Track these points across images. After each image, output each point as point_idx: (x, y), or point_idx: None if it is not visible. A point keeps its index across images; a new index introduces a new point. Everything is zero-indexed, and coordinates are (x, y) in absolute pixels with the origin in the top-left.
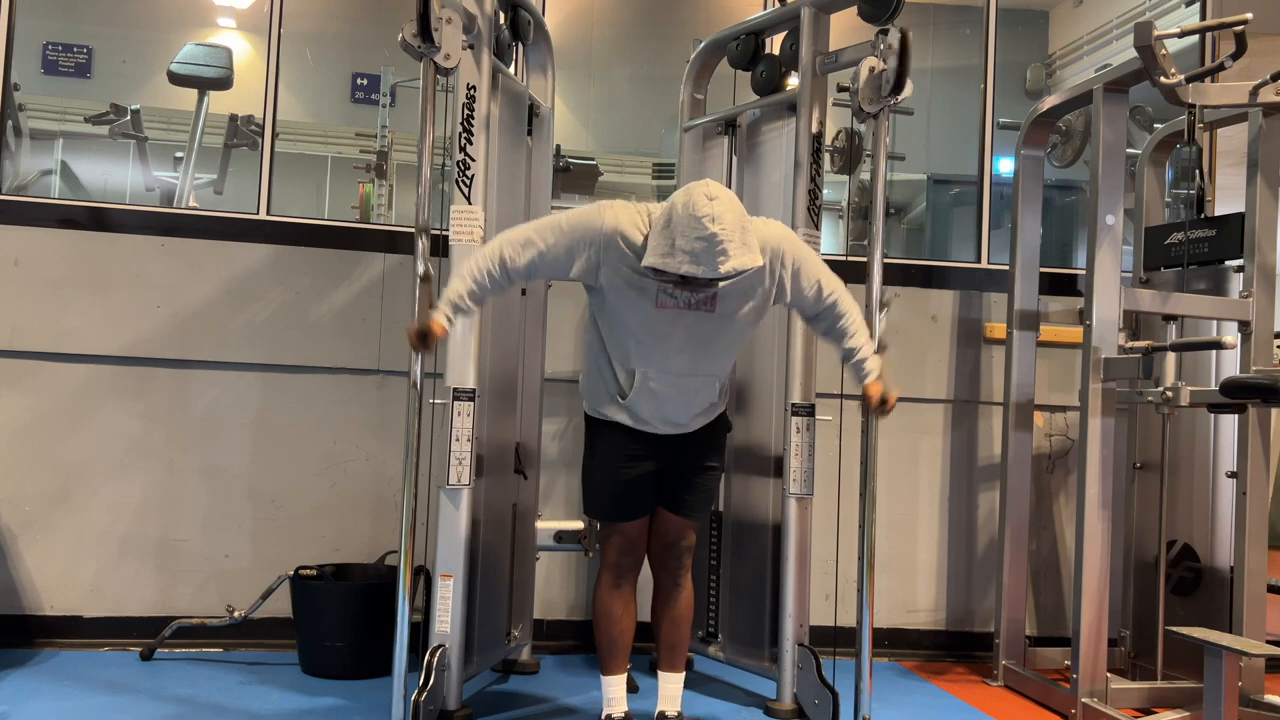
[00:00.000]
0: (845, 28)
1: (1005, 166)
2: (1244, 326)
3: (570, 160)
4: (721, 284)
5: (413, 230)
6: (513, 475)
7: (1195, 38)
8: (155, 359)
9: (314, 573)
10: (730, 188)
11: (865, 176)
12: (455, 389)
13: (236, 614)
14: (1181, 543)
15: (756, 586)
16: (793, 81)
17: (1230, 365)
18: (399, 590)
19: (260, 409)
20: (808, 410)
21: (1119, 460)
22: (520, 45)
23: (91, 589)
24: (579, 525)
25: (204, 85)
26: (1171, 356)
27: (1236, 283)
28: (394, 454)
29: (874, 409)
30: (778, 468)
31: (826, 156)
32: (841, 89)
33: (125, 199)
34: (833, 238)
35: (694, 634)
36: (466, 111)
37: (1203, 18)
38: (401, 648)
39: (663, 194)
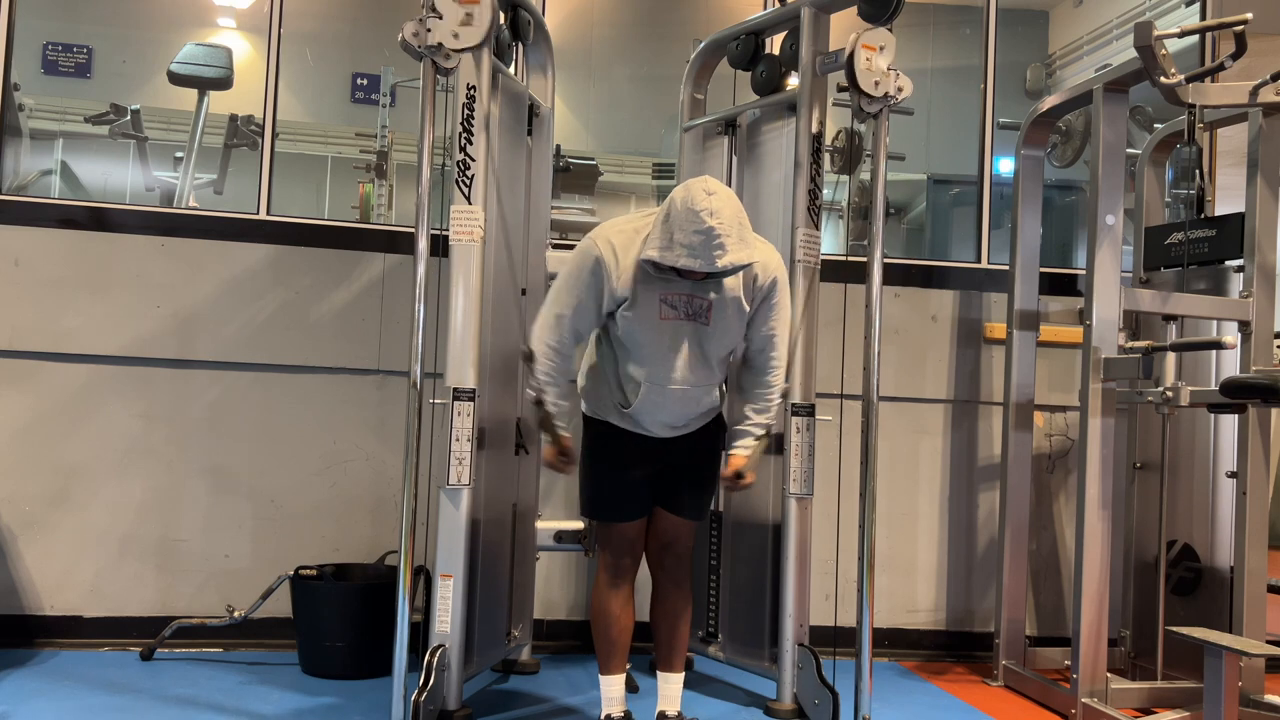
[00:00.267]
0: (845, 28)
1: (1005, 166)
2: (1244, 326)
3: (570, 160)
4: (713, 295)
5: (413, 230)
6: (511, 467)
7: (1195, 38)
8: (155, 359)
9: (314, 573)
10: (730, 188)
11: (865, 176)
12: (455, 389)
13: (236, 614)
14: (1181, 543)
15: (756, 586)
16: (793, 81)
17: (1230, 365)
18: (399, 590)
19: (260, 409)
20: (808, 410)
21: (1119, 460)
22: (520, 45)
23: (91, 589)
24: (579, 525)
25: (204, 85)
26: (1171, 356)
27: (1236, 283)
28: (394, 454)
29: (726, 478)
30: (778, 467)
31: (826, 156)
32: (841, 89)
33: (125, 199)
34: (833, 238)
35: (694, 634)
36: (466, 111)
37: (1203, 18)
38: (401, 648)
39: (663, 194)
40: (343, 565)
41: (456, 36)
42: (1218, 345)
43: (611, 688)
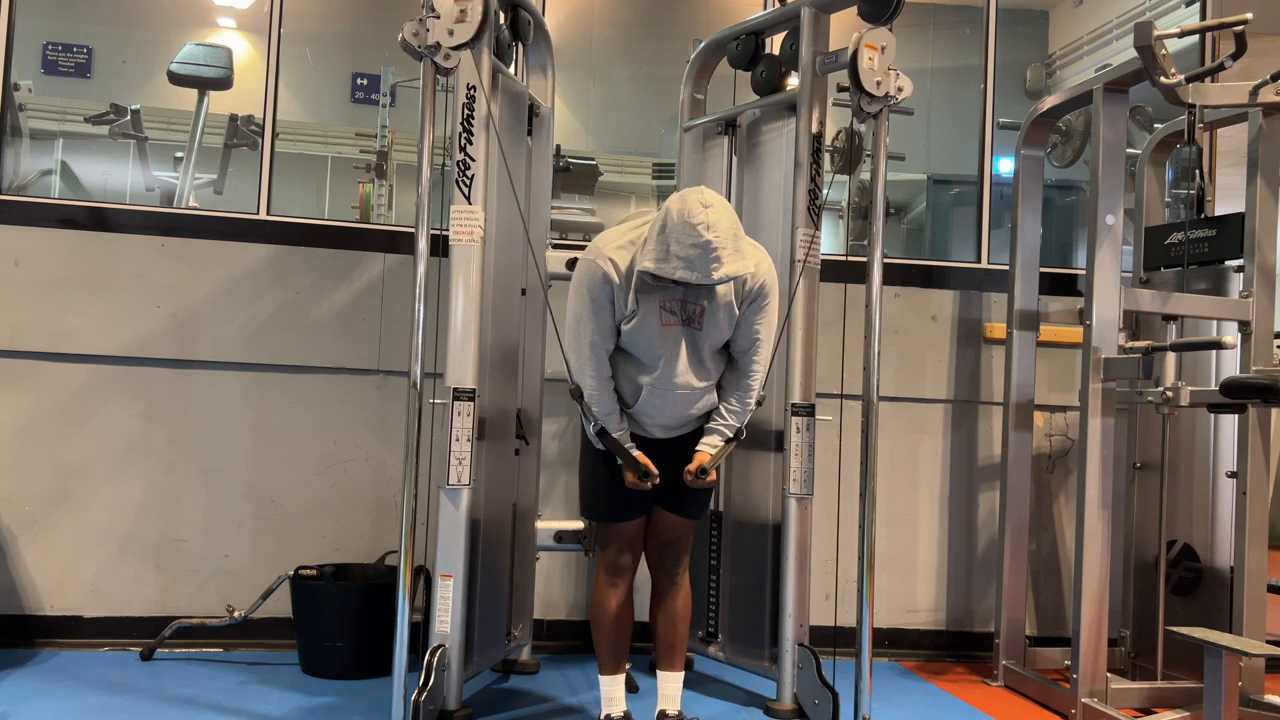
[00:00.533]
0: (845, 28)
1: (1005, 166)
2: (1244, 326)
3: (570, 160)
4: (705, 301)
5: (413, 230)
6: (512, 467)
7: (1195, 38)
8: (155, 359)
9: (314, 573)
10: (730, 188)
11: (865, 176)
12: (455, 389)
13: (236, 614)
14: (1181, 543)
15: (756, 586)
16: (793, 81)
17: (1230, 365)
18: (399, 590)
19: (260, 409)
20: (808, 410)
21: (1119, 460)
22: (520, 45)
23: (91, 589)
24: (579, 525)
25: (204, 85)
26: (1171, 356)
27: (1236, 283)
28: (394, 454)
29: (689, 472)
30: (778, 467)
31: (826, 156)
32: (841, 89)
33: (125, 199)
34: (833, 238)
35: (694, 634)
36: (466, 111)
37: (1203, 18)
38: (401, 648)
39: (663, 194)
40: (343, 565)
41: (451, 34)
42: (1218, 345)
43: (611, 688)
